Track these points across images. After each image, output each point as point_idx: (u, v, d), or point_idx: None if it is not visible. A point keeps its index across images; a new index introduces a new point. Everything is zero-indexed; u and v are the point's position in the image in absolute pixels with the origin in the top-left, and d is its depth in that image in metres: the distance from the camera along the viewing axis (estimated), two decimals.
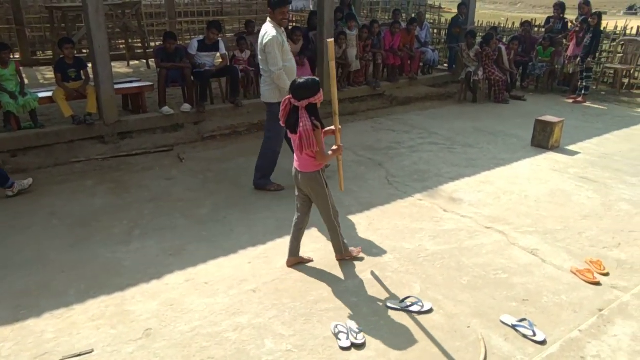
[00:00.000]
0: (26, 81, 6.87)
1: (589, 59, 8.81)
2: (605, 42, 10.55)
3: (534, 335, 3.03)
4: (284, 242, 4.09)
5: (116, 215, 4.57)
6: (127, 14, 11.21)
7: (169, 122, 6.83)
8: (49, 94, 6.28)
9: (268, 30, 4.62)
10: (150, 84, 7.18)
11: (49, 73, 9.78)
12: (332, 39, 3.45)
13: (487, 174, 5.65)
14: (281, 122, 3.49)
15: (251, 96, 7.96)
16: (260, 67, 4.89)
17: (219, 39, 7.30)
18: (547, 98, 9.37)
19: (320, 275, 3.66)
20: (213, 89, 7.71)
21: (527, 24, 10.33)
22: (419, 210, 4.73)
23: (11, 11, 11.12)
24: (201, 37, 7.43)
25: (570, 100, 9.12)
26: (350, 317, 3.20)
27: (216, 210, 4.68)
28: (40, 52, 11.98)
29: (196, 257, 3.86)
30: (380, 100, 8.80)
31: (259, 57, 4.85)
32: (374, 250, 4.01)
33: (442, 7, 17.84)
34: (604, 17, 9.45)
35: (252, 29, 8.56)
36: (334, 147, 3.53)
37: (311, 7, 17.51)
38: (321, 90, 3.39)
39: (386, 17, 14.85)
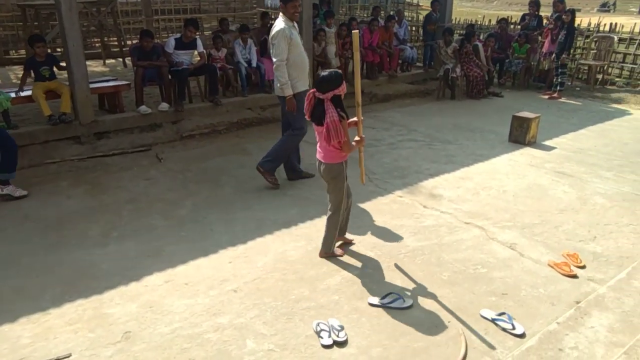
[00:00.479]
0: None
1: (563, 56, 8.96)
2: (579, 38, 10.75)
3: (513, 328, 3.07)
4: (265, 242, 4.09)
5: (93, 217, 4.49)
6: (102, 11, 11.01)
7: (147, 122, 6.73)
8: (28, 93, 6.10)
9: (277, 24, 4.77)
10: (127, 82, 7.06)
11: (22, 72, 9.54)
12: (357, 30, 3.55)
13: (466, 169, 5.71)
14: (306, 116, 3.60)
15: (230, 94, 7.90)
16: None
17: (197, 36, 7.22)
18: (524, 94, 9.51)
19: (302, 273, 3.65)
20: (191, 88, 7.62)
21: (503, 22, 10.47)
22: (399, 206, 4.75)
23: None
24: (178, 35, 7.33)
25: (546, 96, 9.27)
26: (332, 315, 3.19)
27: (196, 211, 4.63)
28: (13, 51, 11.70)
29: (175, 258, 3.82)
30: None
31: (270, 51, 4.92)
32: (355, 247, 4.02)
33: (420, 4, 17.95)
34: (577, 14, 9.64)
35: (226, 27, 8.48)
36: (357, 138, 3.61)
37: None
38: (344, 81, 3.51)
39: (365, 15, 14.88)
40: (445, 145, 6.56)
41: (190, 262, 3.77)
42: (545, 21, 9.93)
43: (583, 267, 3.79)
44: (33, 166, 5.58)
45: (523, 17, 10.52)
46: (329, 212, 3.78)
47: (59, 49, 10.03)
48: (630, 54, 10.41)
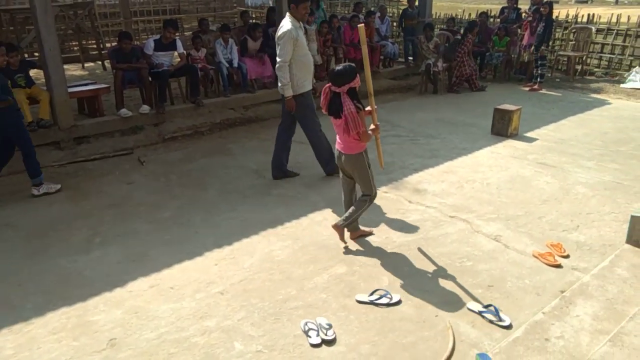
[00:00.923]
0: None
1: (542, 47, 9.05)
2: (557, 30, 10.87)
3: (500, 320, 3.09)
4: (251, 242, 4.06)
5: (75, 223, 4.42)
6: (79, 14, 10.86)
7: (128, 125, 6.65)
8: None
9: (284, 24, 4.75)
10: (107, 86, 6.98)
11: None
12: (363, 24, 3.66)
13: (449, 163, 5.73)
14: (323, 110, 3.74)
15: (212, 95, 7.84)
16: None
17: (176, 37, 7.15)
18: (505, 87, 9.58)
19: (289, 273, 3.64)
20: (172, 89, 7.55)
21: (483, 15, 10.54)
22: (384, 202, 4.76)
23: None
24: (158, 36, 7.25)
25: (527, 88, 9.36)
26: (320, 314, 3.18)
27: (180, 213, 4.59)
28: None
29: (160, 262, 3.77)
30: None
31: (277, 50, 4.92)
32: (341, 244, 4.01)
33: (401, 0, 17.98)
34: (555, 5, 9.73)
35: (206, 27, 8.41)
36: (372, 127, 3.71)
37: (270, 3, 17.38)
38: (358, 74, 3.64)
39: (345, 12, 14.87)
40: (428, 139, 6.58)
41: (175, 266, 3.73)
42: (524, 14, 10.02)
43: (567, 256, 3.83)
44: (13, 174, 5.46)
45: (502, 10, 10.61)
46: (361, 195, 3.93)
47: (36, 54, 9.87)
48: (608, 44, 10.56)
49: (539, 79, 9.30)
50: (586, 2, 31.93)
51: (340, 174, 4.02)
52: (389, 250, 3.93)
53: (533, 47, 9.20)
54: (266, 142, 6.63)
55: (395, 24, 13.08)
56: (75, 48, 11.78)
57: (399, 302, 3.30)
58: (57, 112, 6.01)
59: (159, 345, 2.94)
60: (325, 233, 4.19)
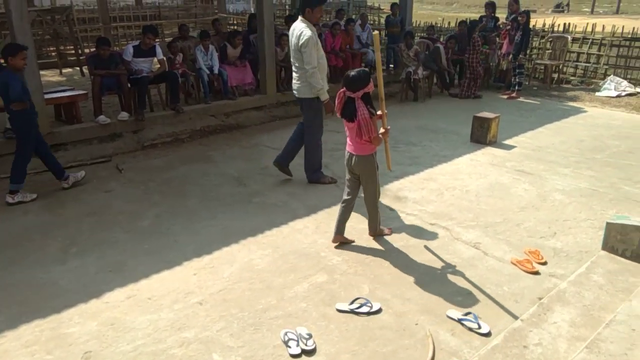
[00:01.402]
0: None
1: (520, 56, 9.20)
2: (535, 39, 11.06)
3: (479, 327, 3.11)
4: (231, 251, 4.03)
5: (51, 232, 4.33)
6: (57, 19, 10.71)
7: (106, 132, 6.56)
8: None
9: (303, 30, 4.73)
10: (84, 92, 6.87)
11: None
12: (377, 32, 3.73)
13: (429, 171, 5.77)
14: (337, 114, 3.84)
15: (192, 102, 7.79)
16: (294, 64, 4.96)
17: (156, 44, 7.09)
18: (484, 95, 9.71)
19: (269, 282, 3.61)
20: (152, 96, 7.47)
21: (463, 24, 10.67)
22: (365, 210, 4.75)
23: None
24: (136, 42, 7.18)
25: (505, 96, 9.50)
26: (300, 323, 3.16)
27: (159, 222, 4.53)
28: None
29: (138, 272, 3.71)
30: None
31: (293, 55, 4.92)
32: (322, 253, 4.00)
33: (382, 8, 18.15)
34: (533, 15, 9.92)
35: (186, 32, 8.35)
36: (382, 130, 3.79)
37: (252, 9, 17.37)
38: (372, 79, 3.69)
39: (326, 19, 14.92)
40: (409, 147, 6.63)
41: (153, 276, 3.67)
42: (501, 24, 10.17)
43: (544, 263, 3.88)
44: None
45: (480, 19, 10.75)
46: (368, 200, 4.06)
47: None
48: (583, 53, 10.78)
49: (517, 87, 9.44)
50: (563, 11, 32.60)
51: (347, 175, 4.08)
52: (369, 259, 3.93)
53: (511, 56, 9.35)
54: (247, 149, 6.62)
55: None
56: (53, 54, 11.60)
57: (379, 311, 3.30)
58: None
59: (135, 357, 2.88)
60: (306, 241, 4.18)
